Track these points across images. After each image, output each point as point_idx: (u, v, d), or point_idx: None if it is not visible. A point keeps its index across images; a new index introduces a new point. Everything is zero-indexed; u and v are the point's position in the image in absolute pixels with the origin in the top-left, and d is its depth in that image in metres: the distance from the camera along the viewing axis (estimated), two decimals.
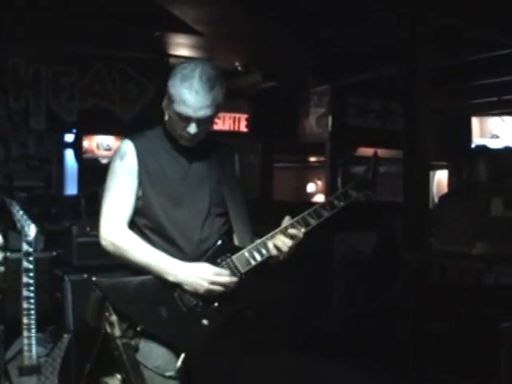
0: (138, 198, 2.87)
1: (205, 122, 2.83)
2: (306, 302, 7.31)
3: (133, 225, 2.88)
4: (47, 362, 4.14)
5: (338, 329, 7.33)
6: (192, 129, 2.79)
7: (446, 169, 11.21)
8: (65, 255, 4.91)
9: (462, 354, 5.14)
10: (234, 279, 2.80)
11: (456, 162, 9.70)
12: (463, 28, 6.22)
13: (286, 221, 2.91)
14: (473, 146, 10.49)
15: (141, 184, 2.86)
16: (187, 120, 2.78)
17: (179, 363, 2.76)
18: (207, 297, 2.79)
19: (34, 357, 4.10)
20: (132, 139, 2.91)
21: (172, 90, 2.78)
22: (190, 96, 2.74)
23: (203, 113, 2.77)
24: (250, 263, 2.84)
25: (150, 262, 2.77)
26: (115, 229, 2.82)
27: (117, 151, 2.94)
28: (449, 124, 10.39)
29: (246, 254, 2.85)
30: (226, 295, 2.81)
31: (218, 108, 2.86)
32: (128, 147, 2.88)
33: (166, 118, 2.92)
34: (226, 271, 2.80)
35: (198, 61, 3.00)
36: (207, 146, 2.99)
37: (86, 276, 4.31)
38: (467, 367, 5.03)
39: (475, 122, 11.00)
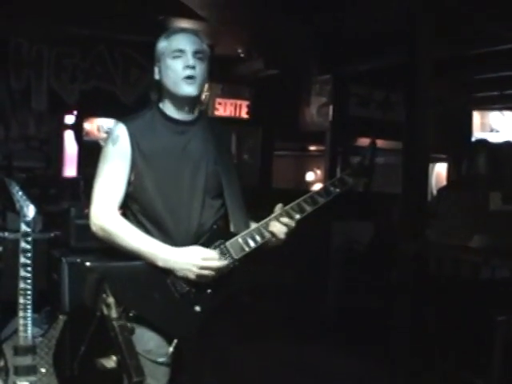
0: (129, 183, 2.83)
1: (200, 62, 2.86)
2: (303, 290, 7.33)
3: (127, 210, 2.86)
4: (42, 343, 4.15)
5: (334, 318, 7.36)
6: (190, 61, 2.81)
7: (446, 162, 11.21)
8: (63, 237, 4.92)
9: (457, 346, 5.16)
10: (224, 263, 2.75)
11: (456, 155, 9.70)
12: (466, 21, 6.22)
13: (279, 208, 2.88)
14: (473, 139, 10.49)
15: (133, 168, 2.82)
16: (183, 55, 2.83)
17: (171, 349, 2.75)
18: (199, 283, 2.74)
19: (30, 337, 4.11)
20: (125, 122, 2.85)
21: (162, 44, 2.87)
22: (182, 34, 2.88)
23: (198, 45, 2.86)
24: (243, 249, 2.80)
25: (139, 247, 2.73)
26: (105, 214, 2.78)
27: (109, 135, 2.89)
28: (450, 117, 10.38)
29: (240, 241, 2.81)
30: (219, 281, 2.76)
31: (209, 60, 2.92)
32: (121, 131, 2.83)
33: (161, 86, 2.92)
34: (215, 255, 2.75)
35: None
36: (203, 125, 2.96)
37: (79, 261, 4.37)
38: (463, 359, 5.05)
39: (476, 115, 10.99)
